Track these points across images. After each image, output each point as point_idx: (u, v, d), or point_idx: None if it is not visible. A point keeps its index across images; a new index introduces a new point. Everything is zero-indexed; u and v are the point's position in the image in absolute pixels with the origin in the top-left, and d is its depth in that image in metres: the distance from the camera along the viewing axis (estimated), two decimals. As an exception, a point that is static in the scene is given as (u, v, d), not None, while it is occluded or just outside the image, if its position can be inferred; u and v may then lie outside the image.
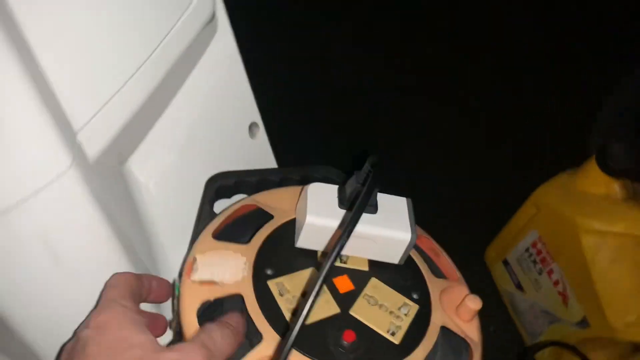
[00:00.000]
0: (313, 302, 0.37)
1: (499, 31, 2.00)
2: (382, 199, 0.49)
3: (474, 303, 0.48)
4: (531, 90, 1.83)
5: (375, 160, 0.45)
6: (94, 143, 0.45)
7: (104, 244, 0.46)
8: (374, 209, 0.48)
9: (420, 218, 0.54)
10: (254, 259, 0.47)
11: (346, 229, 0.41)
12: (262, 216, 0.52)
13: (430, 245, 0.56)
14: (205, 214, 0.56)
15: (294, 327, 0.37)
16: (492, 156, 1.59)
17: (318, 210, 0.47)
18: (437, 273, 0.54)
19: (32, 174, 0.40)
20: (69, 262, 0.45)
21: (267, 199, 0.55)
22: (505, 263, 1.18)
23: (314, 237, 0.48)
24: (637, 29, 1.90)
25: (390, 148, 1.60)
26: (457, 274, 0.54)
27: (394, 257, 0.50)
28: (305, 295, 0.43)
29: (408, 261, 0.51)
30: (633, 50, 1.28)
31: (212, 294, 0.44)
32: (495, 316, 1.24)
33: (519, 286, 1.15)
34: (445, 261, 0.55)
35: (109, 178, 0.51)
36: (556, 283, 1.02)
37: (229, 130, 0.63)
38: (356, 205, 0.43)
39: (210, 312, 0.46)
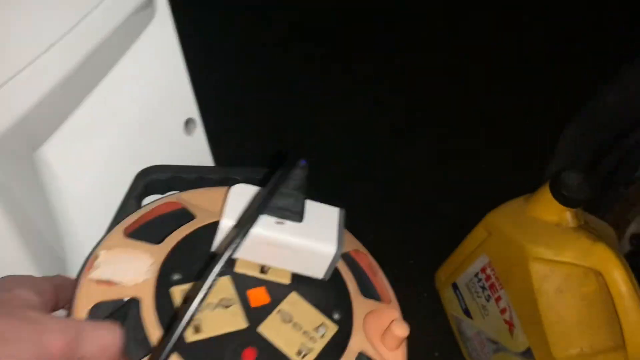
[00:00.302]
0: (196, 307, 0.34)
1: (499, 31, 2.00)
2: (312, 207, 0.45)
3: (401, 329, 0.43)
4: (531, 90, 1.83)
5: (291, 160, 0.42)
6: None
7: (-2, 234, 0.42)
8: (298, 216, 0.43)
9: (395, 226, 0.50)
10: (162, 261, 0.43)
11: (241, 228, 0.37)
12: (184, 216, 0.48)
13: (367, 262, 0.51)
14: (128, 209, 0.51)
15: (171, 335, 0.33)
16: (491, 158, 1.58)
17: (237, 213, 0.42)
18: (370, 293, 0.49)
19: None
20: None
21: (194, 198, 0.50)
22: (455, 287, 1.15)
23: None
24: (638, 29, 1.91)
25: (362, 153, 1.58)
26: (391, 295, 0.49)
27: (318, 271, 0.45)
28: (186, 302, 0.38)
29: (335, 277, 0.47)
30: (633, 50, 1.27)
31: (108, 295, 0.40)
32: (441, 341, 1.21)
33: (466, 312, 1.13)
34: (380, 281, 0.50)
35: (17, 163, 0.46)
36: (503, 311, 1.00)
37: (163, 125, 0.59)
38: (256, 204, 0.39)
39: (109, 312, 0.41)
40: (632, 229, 1.14)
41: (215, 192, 0.51)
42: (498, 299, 1.01)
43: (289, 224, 0.43)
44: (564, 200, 0.89)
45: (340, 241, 0.44)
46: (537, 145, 1.57)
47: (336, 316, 0.44)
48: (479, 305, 1.08)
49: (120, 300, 0.41)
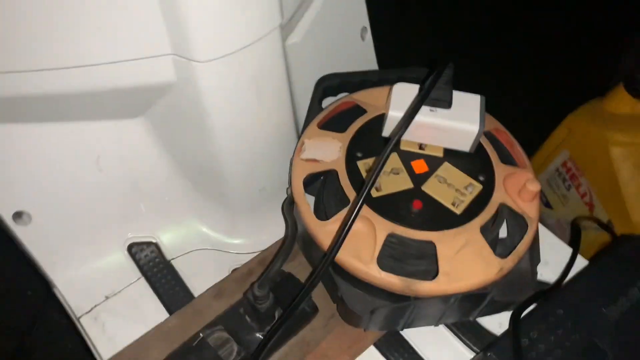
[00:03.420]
0: (377, 174, 0.46)
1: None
2: (458, 96, 0.55)
3: (533, 185, 0.54)
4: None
5: (445, 61, 0.53)
6: (286, 9, 0.57)
7: (284, 95, 0.61)
8: (447, 104, 0.54)
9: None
10: (348, 144, 0.58)
11: (407, 115, 0.49)
12: (358, 111, 0.63)
13: (506, 137, 0.63)
14: (313, 109, 0.66)
15: (363, 192, 0.46)
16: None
17: (400, 105, 0.55)
18: (509, 160, 0.60)
19: (256, 26, 0.52)
20: (267, 103, 0.59)
21: (363, 97, 0.65)
22: (535, 185, 1.32)
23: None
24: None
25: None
26: (526, 162, 0.59)
27: (465, 145, 0.56)
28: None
29: (479, 150, 0.57)
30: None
31: (314, 169, 0.57)
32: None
33: (547, 204, 1.30)
34: (517, 151, 0.61)
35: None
36: (583, 195, 1.17)
37: (345, 32, 0.77)
38: (419, 96, 0.51)
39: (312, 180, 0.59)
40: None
41: (378, 91, 0.65)
42: (578, 186, 1.18)
43: (440, 110, 0.55)
44: (638, 94, 1.05)
45: (482, 121, 0.55)
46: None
47: (481, 178, 0.55)
48: (559, 196, 1.25)
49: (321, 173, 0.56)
